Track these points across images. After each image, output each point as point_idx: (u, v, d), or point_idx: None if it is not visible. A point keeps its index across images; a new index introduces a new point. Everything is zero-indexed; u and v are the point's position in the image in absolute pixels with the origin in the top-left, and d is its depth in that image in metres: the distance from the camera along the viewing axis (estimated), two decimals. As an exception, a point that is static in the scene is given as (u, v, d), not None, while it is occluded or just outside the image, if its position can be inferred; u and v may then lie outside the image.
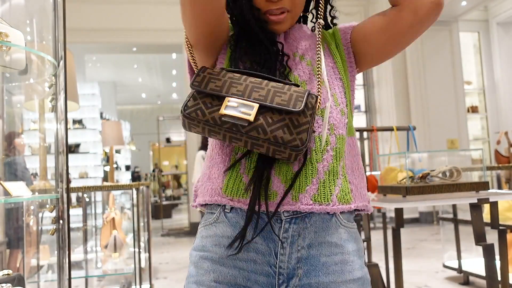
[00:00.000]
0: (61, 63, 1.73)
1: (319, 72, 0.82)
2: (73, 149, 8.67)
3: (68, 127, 1.74)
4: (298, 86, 0.78)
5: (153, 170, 10.89)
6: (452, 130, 6.89)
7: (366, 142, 2.96)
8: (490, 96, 8.12)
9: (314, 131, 0.80)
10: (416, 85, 6.94)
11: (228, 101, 0.74)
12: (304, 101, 0.73)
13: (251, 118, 0.72)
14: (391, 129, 2.81)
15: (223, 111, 0.73)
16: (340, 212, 0.81)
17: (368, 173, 2.74)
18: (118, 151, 10.29)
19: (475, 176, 3.09)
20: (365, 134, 2.92)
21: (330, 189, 0.79)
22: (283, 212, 0.77)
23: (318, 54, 0.83)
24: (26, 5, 2.03)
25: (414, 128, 2.79)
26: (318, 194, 0.77)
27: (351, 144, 0.88)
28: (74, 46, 7.32)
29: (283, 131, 0.72)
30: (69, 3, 1.74)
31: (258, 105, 0.73)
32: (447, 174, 2.12)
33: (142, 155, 15.74)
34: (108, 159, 9.15)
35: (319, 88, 0.81)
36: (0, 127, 2.28)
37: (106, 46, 8.33)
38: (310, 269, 0.78)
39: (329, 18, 0.98)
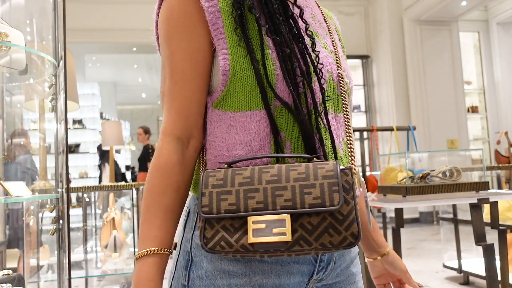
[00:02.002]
0: (61, 63, 1.73)
1: (334, 44, 0.76)
2: (73, 149, 8.67)
3: (68, 127, 1.74)
4: (319, 157, 0.66)
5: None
6: (452, 130, 6.89)
7: (366, 142, 2.96)
8: (490, 96, 8.12)
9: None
10: (416, 85, 6.94)
11: (253, 222, 0.60)
12: (339, 189, 0.60)
13: (289, 238, 0.59)
14: (391, 129, 2.81)
15: (251, 239, 0.60)
16: None
17: (368, 173, 2.74)
18: (118, 151, 10.29)
19: (475, 176, 3.10)
20: (365, 134, 2.92)
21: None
22: None
23: (328, 24, 0.78)
24: (26, 5, 2.03)
25: (414, 128, 2.79)
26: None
27: None
28: (74, 46, 7.32)
29: (330, 234, 0.60)
30: (69, 3, 1.74)
31: (289, 215, 0.60)
32: (447, 174, 2.12)
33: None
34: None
35: (343, 61, 0.76)
36: (0, 127, 2.28)
37: (106, 46, 8.33)
38: (342, 252, 0.77)
39: None
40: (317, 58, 0.70)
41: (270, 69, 0.66)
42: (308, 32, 0.71)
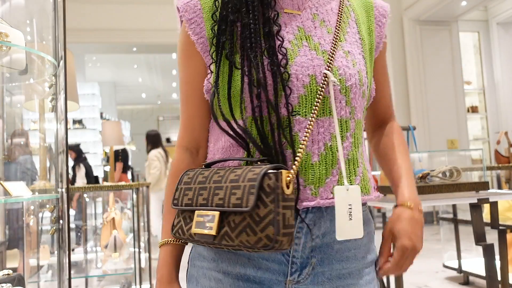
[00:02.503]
0: (61, 63, 1.73)
1: (336, 41, 0.76)
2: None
3: (68, 127, 1.74)
4: (264, 160, 0.69)
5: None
6: (452, 130, 6.89)
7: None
8: (490, 96, 8.12)
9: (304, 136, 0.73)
10: (416, 85, 6.94)
11: (197, 216, 0.70)
12: (255, 193, 0.63)
13: (214, 232, 0.67)
14: (391, 129, 2.80)
15: (194, 229, 0.70)
16: None
17: (368, 173, 2.74)
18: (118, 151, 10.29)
19: (475, 176, 3.10)
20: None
21: (351, 180, 0.75)
22: (302, 210, 0.73)
23: (340, 21, 0.79)
24: (26, 5, 2.03)
25: (414, 128, 2.79)
26: (350, 181, 0.74)
27: (362, 129, 0.82)
28: (74, 46, 7.32)
29: (247, 234, 0.63)
30: (69, 3, 1.74)
31: (218, 213, 0.67)
32: (447, 174, 2.12)
33: (142, 155, 15.73)
34: (108, 159, 9.15)
35: (342, 59, 0.75)
36: (0, 127, 2.28)
37: (106, 46, 8.33)
38: (324, 257, 0.75)
39: None
40: (286, 74, 0.72)
41: (236, 90, 0.73)
42: (281, 50, 0.73)
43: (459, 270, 3.49)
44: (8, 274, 1.76)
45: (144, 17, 7.20)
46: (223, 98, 0.73)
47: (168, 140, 10.59)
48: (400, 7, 7.15)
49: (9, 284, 1.67)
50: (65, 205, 1.66)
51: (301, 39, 0.76)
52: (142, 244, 3.49)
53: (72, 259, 1.84)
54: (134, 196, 3.15)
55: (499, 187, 4.75)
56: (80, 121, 8.94)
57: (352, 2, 0.84)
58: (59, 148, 1.77)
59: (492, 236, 2.32)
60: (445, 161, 2.55)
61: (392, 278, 3.00)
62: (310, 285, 0.75)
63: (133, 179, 12.97)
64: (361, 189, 0.75)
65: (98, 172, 9.12)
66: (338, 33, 0.78)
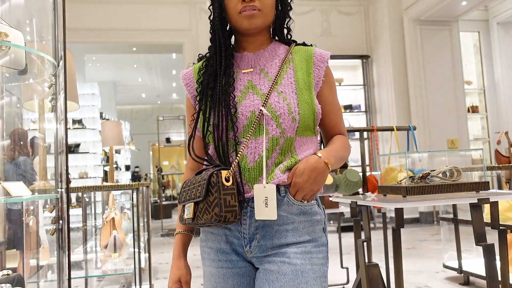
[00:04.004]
0: (61, 63, 1.73)
1: (273, 86, 1.10)
2: (73, 149, 8.67)
3: (68, 127, 1.74)
4: (219, 166, 1.06)
5: (159, 170, 10.89)
6: (452, 130, 6.89)
7: (366, 142, 2.96)
8: (490, 96, 8.12)
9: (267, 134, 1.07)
10: (416, 85, 6.94)
11: (185, 207, 1.09)
12: (205, 187, 1.00)
13: (191, 215, 1.05)
14: (391, 129, 2.80)
15: (185, 216, 1.08)
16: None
17: (368, 173, 2.74)
18: (118, 151, 10.28)
19: (475, 176, 3.09)
20: (365, 134, 2.92)
21: (270, 179, 1.06)
22: (246, 198, 1.07)
23: (280, 71, 1.12)
24: (26, 5, 2.03)
25: (414, 128, 2.79)
26: (268, 181, 1.05)
27: (303, 141, 1.11)
28: (74, 46, 7.32)
29: (206, 214, 1.01)
30: (69, 3, 1.74)
31: (193, 203, 1.05)
32: (447, 174, 2.11)
33: (142, 155, 15.73)
34: (108, 159, 9.14)
35: (275, 98, 1.08)
36: (0, 127, 2.28)
37: (106, 46, 8.33)
38: (265, 234, 1.07)
39: (285, 31, 1.20)
40: (236, 113, 1.08)
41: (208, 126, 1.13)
42: (232, 103, 1.09)
43: (460, 270, 3.49)
44: (7, 275, 1.76)
45: (144, 17, 7.20)
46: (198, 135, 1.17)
47: (168, 140, 10.57)
48: (400, 7, 7.15)
49: (9, 285, 1.67)
50: (65, 205, 1.66)
51: (248, 88, 1.11)
52: (142, 244, 3.49)
53: (72, 259, 1.84)
54: (134, 196, 3.14)
55: (500, 187, 4.74)
56: (79, 121, 8.94)
57: (294, 56, 1.16)
58: (58, 148, 1.77)
59: (492, 236, 2.32)
60: (445, 161, 2.54)
61: (392, 278, 3.00)
62: (258, 254, 1.08)
63: (133, 179, 12.97)
64: (271, 178, 1.06)
65: (97, 172, 9.11)
66: (276, 80, 1.11)
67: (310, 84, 1.12)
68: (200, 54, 1.25)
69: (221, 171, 1.01)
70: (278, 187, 1.05)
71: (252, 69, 1.14)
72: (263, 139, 1.06)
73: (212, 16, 1.17)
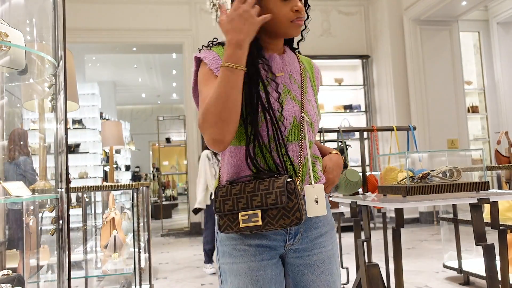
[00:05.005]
0: (61, 63, 1.73)
1: (303, 94, 1.20)
2: (73, 149, 8.66)
3: (68, 127, 1.74)
4: (280, 175, 1.09)
5: (156, 170, 10.89)
6: (452, 130, 6.89)
7: (366, 142, 2.96)
8: (490, 96, 8.11)
9: (303, 137, 1.16)
10: (416, 85, 6.94)
11: (241, 216, 1.08)
12: (285, 193, 1.05)
13: (260, 223, 1.07)
14: (391, 129, 2.80)
15: (241, 224, 1.08)
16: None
17: (368, 173, 2.74)
18: (118, 151, 10.29)
19: (475, 176, 3.09)
20: (365, 134, 2.92)
21: (316, 179, 1.20)
22: None
23: (302, 80, 1.23)
24: (26, 4, 2.03)
25: (414, 128, 2.79)
26: (315, 181, 1.18)
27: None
28: (74, 46, 7.31)
29: (283, 219, 1.06)
30: (68, 3, 1.74)
31: (259, 211, 1.07)
32: (447, 174, 2.11)
33: (142, 155, 15.72)
34: (108, 159, 9.14)
35: (308, 106, 1.19)
36: (0, 127, 2.28)
37: (106, 46, 8.33)
38: (306, 228, 1.20)
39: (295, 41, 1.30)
40: (281, 116, 1.14)
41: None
42: (279, 100, 1.15)
43: (460, 270, 3.49)
44: (7, 274, 1.76)
45: (144, 17, 7.20)
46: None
47: (168, 140, 10.57)
48: (400, 7, 7.15)
49: (9, 285, 1.67)
50: (65, 205, 1.66)
51: (285, 93, 1.17)
52: (142, 244, 3.49)
53: (72, 259, 1.84)
54: (134, 196, 3.14)
55: (500, 187, 4.74)
56: (80, 121, 8.94)
57: (304, 64, 1.27)
58: (58, 148, 1.77)
59: (492, 236, 2.32)
60: (445, 161, 2.54)
61: (392, 278, 3.00)
62: (300, 245, 1.20)
63: (133, 179, 12.97)
64: (316, 179, 1.20)
65: (97, 172, 9.11)
66: (303, 88, 1.21)
67: (317, 93, 1.29)
68: (210, 42, 1.25)
69: (293, 178, 1.10)
70: None
71: (283, 73, 1.20)
72: (305, 143, 1.16)
73: None
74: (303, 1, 1.19)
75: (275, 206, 1.05)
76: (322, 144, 1.36)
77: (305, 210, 1.09)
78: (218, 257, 1.22)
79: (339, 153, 1.27)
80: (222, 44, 1.21)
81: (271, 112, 1.11)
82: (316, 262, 1.20)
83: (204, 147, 4.74)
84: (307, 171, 1.16)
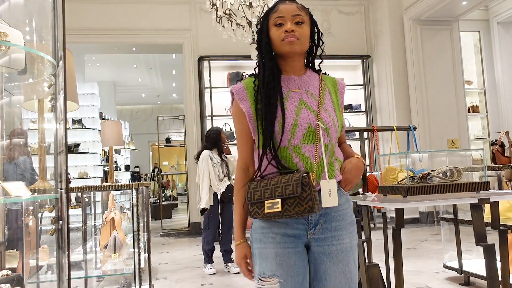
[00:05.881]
0: (61, 63, 1.73)
1: (319, 105, 1.42)
2: (72, 149, 8.66)
3: (68, 127, 1.74)
4: (299, 171, 1.32)
5: (157, 169, 10.88)
6: (452, 130, 6.88)
7: (366, 142, 2.96)
8: (490, 96, 8.11)
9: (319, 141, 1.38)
10: (416, 85, 6.93)
11: (266, 204, 1.31)
12: (300, 185, 1.26)
13: (280, 209, 1.29)
14: (391, 129, 2.80)
15: (266, 210, 1.31)
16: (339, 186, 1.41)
17: (368, 173, 2.74)
18: (117, 151, 10.28)
19: (475, 176, 3.09)
20: (365, 134, 2.92)
21: (331, 176, 1.38)
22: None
23: (321, 93, 1.45)
24: (26, 4, 2.02)
25: (415, 128, 2.79)
26: (330, 178, 1.37)
27: (336, 147, 1.47)
28: (74, 46, 7.31)
29: (298, 207, 1.27)
30: (68, 2, 1.74)
31: (280, 199, 1.29)
32: (448, 174, 2.11)
33: (142, 155, 15.72)
34: (107, 159, 9.14)
35: (324, 114, 1.40)
36: (-1, 127, 2.27)
37: (106, 46, 8.32)
38: (327, 219, 1.38)
39: (317, 63, 1.53)
40: (296, 124, 1.37)
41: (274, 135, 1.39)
42: (295, 109, 1.40)
43: (460, 270, 3.49)
44: (7, 275, 1.75)
45: (144, 17, 7.19)
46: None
47: (167, 140, 10.57)
48: (401, 7, 7.14)
49: (8, 285, 1.66)
50: (64, 206, 1.66)
51: (301, 104, 1.41)
52: (141, 245, 3.49)
53: (71, 259, 1.83)
54: (134, 196, 3.14)
55: (500, 187, 4.74)
56: (79, 121, 8.93)
57: (326, 82, 1.49)
58: (58, 148, 1.76)
59: (492, 237, 2.32)
60: (445, 161, 2.54)
61: (392, 279, 3.00)
62: (320, 235, 1.38)
63: (133, 179, 12.97)
64: (333, 176, 1.38)
65: (97, 172, 9.11)
66: (320, 100, 1.43)
67: (338, 105, 1.48)
68: (245, 74, 1.53)
69: (309, 173, 1.30)
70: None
71: (299, 90, 1.43)
72: (320, 145, 1.37)
73: (261, 45, 1.43)
74: (306, 24, 1.41)
75: (292, 196, 1.27)
76: (349, 148, 1.54)
77: (318, 200, 1.30)
78: (252, 242, 1.45)
79: (361, 157, 1.44)
80: (253, 75, 1.46)
81: (286, 120, 1.36)
82: (335, 251, 1.38)
83: (204, 147, 4.71)
84: (323, 168, 1.35)
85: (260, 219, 1.36)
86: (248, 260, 1.43)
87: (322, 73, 1.52)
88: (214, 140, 4.60)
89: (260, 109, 1.39)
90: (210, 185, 4.46)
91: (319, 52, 1.50)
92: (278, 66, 1.43)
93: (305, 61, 1.50)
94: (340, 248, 1.38)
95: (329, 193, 1.33)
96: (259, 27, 1.47)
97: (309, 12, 1.46)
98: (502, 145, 5.87)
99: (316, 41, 1.48)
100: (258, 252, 1.40)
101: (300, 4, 1.45)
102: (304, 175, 1.28)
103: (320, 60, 1.52)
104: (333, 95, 1.47)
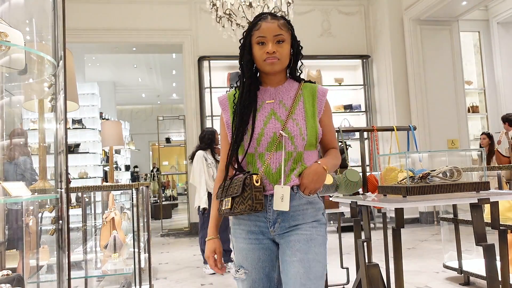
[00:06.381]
0: (61, 63, 1.73)
1: (289, 114, 1.50)
2: (72, 149, 8.66)
3: (68, 127, 1.74)
4: (249, 172, 1.47)
5: (155, 169, 10.88)
6: (452, 130, 6.88)
7: (366, 142, 2.96)
8: (490, 96, 8.11)
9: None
10: (416, 85, 6.93)
11: (223, 202, 1.47)
12: (241, 186, 1.41)
13: (229, 206, 1.44)
14: (391, 129, 2.80)
15: (223, 208, 1.48)
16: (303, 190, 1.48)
17: (368, 173, 2.74)
18: (117, 151, 10.28)
19: (475, 176, 3.09)
20: (365, 134, 2.92)
21: (287, 182, 1.46)
22: (269, 194, 1.48)
23: (294, 103, 1.53)
24: (26, 4, 2.02)
25: (415, 128, 2.79)
26: (285, 183, 1.45)
27: (309, 154, 1.52)
28: (74, 46, 7.31)
29: (241, 205, 1.41)
30: (68, 3, 1.74)
31: (230, 198, 1.44)
32: (448, 174, 2.11)
33: (142, 155, 15.72)
34: (107, 159, 9.14)
35: (291, 124, 1.48)
36: (0, 127, 2.27)
37: (106, 46, 8.32)
38: (284, 218, 1.47)
39: (298, 72, 1.60)
40: (263, 133, 1.49)
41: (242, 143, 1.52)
42: (264, 119, 1.51)
43: (460, 270, 3.49)
44: (7, 275, 1.76)
45: (144, 17, 7.19)
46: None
47: (168, 140, 10.57)
48: (400, 7, 7.14)
49: (8, 285, 1.67)
50: (65, 205, 1.66)
51: (271, 114, 1.51)
52: (141, 245, 3.49)
53: (71, 259, 1.83)
54: (134, 196, 3.14)
55: (500, 187, 4.74)
56: (79, 121, 8.93)
57: (304, 91, 1.55)
58: (58, 148, 1.76)
59: (492, 236, 2.32)
60: (445, 161, 2.54)
61: (392, 279, 3.00)
62: (279, 232, 1.48)
63: (132, 179, 12.97)
64: (288, 181, 1.47)
65: (97, 172, 9.11)
66: (291, 109, 1.51)
67: (315, 113, 1.53)
68: (232, 85, 1.59)
69: (253, 175, 1.42)
70: (293, 186, 1.46)
71: (273, 100, 1.53)
72: (282, 153, 1.46)
73: (243, 61, 1.54)
74: (286, 43, 1.50)
75: (236, 195, 1.42)
76: (331, 154, 1.59)
77: (263, 201, 1.41)
78: (231, 236, 1.59)
79: (324, 163, 1.47)
80: (237, 87, 1.59)
81: (254, 130, 1.48)
82: (293, 241, 1.46)
83: (199, 147, 4.71)
84: (280, 174, 1.45)
85: (220, 216, 1.52)
86: (216, 255, 1.53)
87: (307, 81, 1.59)
88: (209, 141, 4.63)
89: (234, 120, 1.52)
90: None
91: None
92: (256, 82, 1.55)
93: (288, 70, 1.59)
94: (298, 238, 1.45)
95: (281, 198, 1.42)
96: (242, 42, 1.55)
97: (290, 27, 1.54)
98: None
99: (296, 54, 1.56)
100: (234, 245, 1.57)
101: (282, 19, 1.53)
102: (248, 176, 1.41)
103: (300, 67, 1.62)
104: (309, 104, 1.53)
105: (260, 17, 1.52)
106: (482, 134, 6.59)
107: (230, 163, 1.52)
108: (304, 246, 1.44)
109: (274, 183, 1.45)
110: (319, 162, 1.47)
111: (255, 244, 1.50)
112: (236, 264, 1.54)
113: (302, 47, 1.60)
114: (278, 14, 1.60)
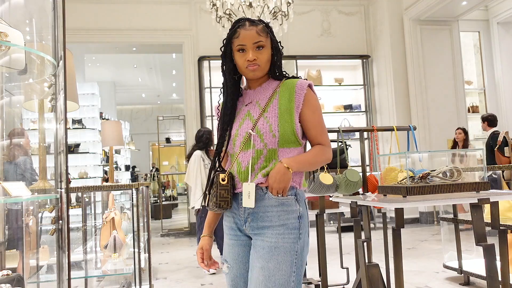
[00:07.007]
0: (61, 63, 1.73)
1: (261, 113, 1.52)
2: (72, 149, 8.66)
3: (68, 127, 1.75)
4: (220, 170, 1.56)
5: (154, 169, 10.88)
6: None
7: (366, 142, 2.96)
8: (490, 96, 8.11)
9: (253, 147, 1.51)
10: (416, 85, 6.93)
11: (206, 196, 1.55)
12: (210, 183, 1.52)
13: (205, 203, 1.54)
14: (391, 129, 2.80)
15: (202, 202, 1.58)
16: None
17: (368, 173, 2.74)
18: (117, 151, 10.28)
19: (475, 176, 3.09)
20: (365, 134, 2.92)
21: (254, 179, 1.48)
22: (240, 192, 1.51)
23: (268, 102, 1.54)
24: (26, 4, 2.02)
25: (415, 128, 2.79)
26: (252, 181, 1.46)
27: (286, 151, 1.51)
28: (74, 46, 7.31)
29: (210, 201, 1.51)
30: (68, 3, 1.74)
31: (205, 195, 1.55)
32: (448, 174, 2.11)
33: (142, 155, 15.72)
34: (107, 159, 9.14)
35: (261, 122, 1.50)
36: (0, 127, 2.27)
37: (106, 46, 8.32)
38: (253, 218, 1.49)
39: (277, 72, 1.59)
40: (238, 133, 1.53)
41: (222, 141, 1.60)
42: (240, 121, 1.55)
43: (460, 270, 3.49)
44: (7, 275, 1.76)
45: (144, 17, 7.19)
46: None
47: (168, 140, 10.57)
48: (400, 7, 7.14)
49: (9, 285, 1.66)
50: (65, 206, 1.66)
51: (246, 116, 1.55)
52: (141, 245, 3.49)
53: (71, 259, 1.83)
54: (134, 196, 3.14)
55: (500, 187, 4.74)
56: (79, 121, 8.93)
57: (281, 88, 1.55)
58: (58, 148, 1.76)
59: (492, 237, 2.32)
60: (445, 161, 2.54)
61: (392, 279, 3.00)
62: (250, 231, 1.51)
63: (133, 179, 12.97)
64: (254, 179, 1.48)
65: (97, 172, 9.11)
66: (264, 109, 1.52)
67: (291, 108, 1.51)
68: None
69: (220, 174, 1.49)
70: (261, 186, 1.47)
71: (251, 102, 1.57)
72: (250, 151, 1.49)
73: (225, 69, 1.57)
74: (266, 48, 1.52)
75: (207, 192, 1.52)
76: (310, 152, 1.56)
77: (229, 198, 1.47)
78: None
79: (287, 162, 1.46)
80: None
81: (231, 132, 1.55)
82: (258, 247, 1.47)
83: (196, 147, 4.71)
84: (248, 172, 1.48)
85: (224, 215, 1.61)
86: (204, 252, 1.58)
87: (290, 77, 1.59)
88: (206, 141, 4.63)
89: (218, 125, 1.62)
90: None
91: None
92: (238, 89, 1.61)
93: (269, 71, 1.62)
94: (263, 245, 1.45)
95: (248, 195, 1.45)
96: (222, 50, 1.57)
97: (270, 30, 1.55)
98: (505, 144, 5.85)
99: (275, 55, 1.57)
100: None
101: (261, 23, 1.54)
102: (216, 175, 1.49)
103: (279, 66, 1.62)
104: (284, 100, 1.52)
105: (239, 23, 1.53)
106: (457, 128, 6.51)
107: (219, 165, 1.58)
108: (266, 254, 1.43)
109: (244, 181, 1.47)
110: (281, 161, 1.45)
111: (235, 240, 1.55)
112: (222, 258, 1.59)
113: (283, 47, 1.63)
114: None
